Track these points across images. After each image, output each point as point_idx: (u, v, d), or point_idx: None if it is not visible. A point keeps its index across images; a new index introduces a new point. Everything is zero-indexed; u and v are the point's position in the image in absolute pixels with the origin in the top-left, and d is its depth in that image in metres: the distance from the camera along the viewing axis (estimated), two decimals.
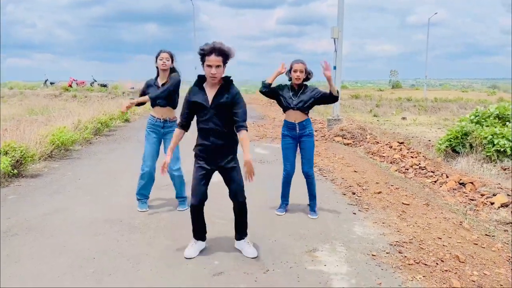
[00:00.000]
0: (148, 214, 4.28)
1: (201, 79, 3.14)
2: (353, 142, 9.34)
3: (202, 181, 3.20)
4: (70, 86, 28.05)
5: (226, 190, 3.31)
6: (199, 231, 3.38)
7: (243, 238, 3.41)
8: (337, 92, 4.21)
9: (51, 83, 30.12)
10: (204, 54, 2.95)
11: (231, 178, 3.23)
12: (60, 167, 6.47)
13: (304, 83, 4.31)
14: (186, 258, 3.26)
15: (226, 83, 3.11)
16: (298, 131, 4.29)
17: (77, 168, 6.41)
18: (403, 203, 4.89)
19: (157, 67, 4.30)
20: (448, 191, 5.72)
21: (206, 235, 3.47)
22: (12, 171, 5.54)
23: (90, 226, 3.92)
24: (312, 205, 4.46)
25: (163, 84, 4.28)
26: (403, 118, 20.53)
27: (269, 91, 4.27)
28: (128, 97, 20.60)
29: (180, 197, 4.51)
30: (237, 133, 3.09)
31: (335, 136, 9.69)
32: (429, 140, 14.59)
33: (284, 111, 4.34)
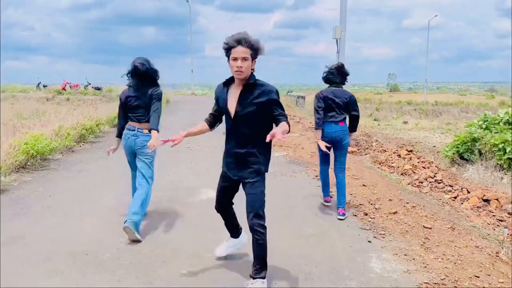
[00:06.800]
0: (123, 244, 3.53)
1: (229, 80, 2.76)
2: (358, 150, 8.64)
3: (222, 192, 2.98)
4: (64, 89, 27.25)
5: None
6: (228, 227, 3.17)
7: (255, 277, 2.73)
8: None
9: (44, 86, 29.23)
10: (229, 47, 2.58)
11: (247, 194, 2.79)
12: (32, 181, 5.70)
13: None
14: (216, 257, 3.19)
15: (251, 84, 2.65)
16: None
17: (50, 182, 5.64)
18: (424, 227, 4.18)
19: None
20: (472, 209, 5.02)
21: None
22: None
23: (48, 261, 3.17)
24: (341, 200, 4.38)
25: None
26: (405, 122, 19.90)
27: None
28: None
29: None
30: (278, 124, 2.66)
31: None
32: (434, 146, 13.95)
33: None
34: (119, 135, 4.01)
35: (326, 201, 4.74)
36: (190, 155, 7.26)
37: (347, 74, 4.46)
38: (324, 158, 4.58)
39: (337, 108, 4.33)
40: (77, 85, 28.64)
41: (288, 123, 2.61)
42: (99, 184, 5.55)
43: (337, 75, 4.39)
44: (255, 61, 2.63)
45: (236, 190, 2.97)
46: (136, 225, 3.57)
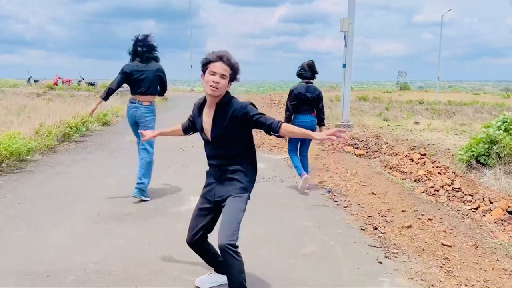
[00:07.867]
0: (92, 263, 3.06)
1: (203, 102, 2.57)
2: (367, 152, 8.09)
3: (198, 217, 2.58)
4: (56, 84, 26.38)
5: None
6: (209, 264, 2.76)
7: None
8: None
9: (35, 81, 28.33)
10: (209, 61, 2.41)
11: (227, 206, 2.42)
12: (3, 185, 5.12)
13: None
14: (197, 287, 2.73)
15: (224, 103, 2.45)
16: None
17: (23, 186, 5.11)
18: (443, 244, 3.65)
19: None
20: (496, 223, 4.47)
21: None
22: None
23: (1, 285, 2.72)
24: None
25: None
26: (416, 123, 19.21)
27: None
28: (117, 96, 18.37)
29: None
30: (279, 131, 2.36)
31: (345, 145, 8.43)
32: (448, 149, 13.30)
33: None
34: (105, 98, 4.62)
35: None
36: (182, 157, 6.80)
37: (316, 72, 5.10)
38: (294, 146, 5.19)
39: (308, 102, 5.03)
40: (69, 80, 27.74)
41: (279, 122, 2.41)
42: (77, 189, 5.05)
43: (308, 71, 5.04)
44: (230, 84, 2.45)
45: (216, 218, 2.56)
46: (143, 192, 4.40)
